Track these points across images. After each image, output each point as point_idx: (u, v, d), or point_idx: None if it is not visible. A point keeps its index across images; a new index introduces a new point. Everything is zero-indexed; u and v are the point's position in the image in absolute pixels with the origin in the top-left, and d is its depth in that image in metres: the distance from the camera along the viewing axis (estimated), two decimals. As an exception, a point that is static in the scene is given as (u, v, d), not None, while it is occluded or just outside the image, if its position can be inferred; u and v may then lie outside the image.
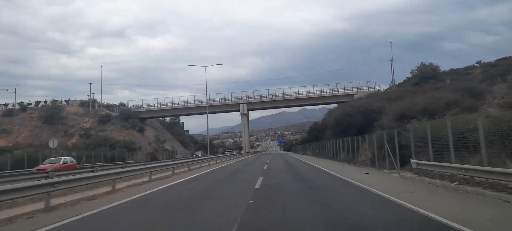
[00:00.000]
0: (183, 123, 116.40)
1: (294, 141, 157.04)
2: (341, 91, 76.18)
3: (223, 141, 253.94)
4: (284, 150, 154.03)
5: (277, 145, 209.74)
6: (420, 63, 60.03)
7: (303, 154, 63.72)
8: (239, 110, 78.41)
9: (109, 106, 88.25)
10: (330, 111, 53.37)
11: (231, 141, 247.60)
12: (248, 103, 78.28)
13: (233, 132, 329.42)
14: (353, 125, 36.13)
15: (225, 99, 78.66)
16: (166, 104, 78.74)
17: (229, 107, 79.09)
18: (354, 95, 72.24)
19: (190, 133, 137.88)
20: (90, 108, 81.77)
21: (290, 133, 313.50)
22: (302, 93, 77.61)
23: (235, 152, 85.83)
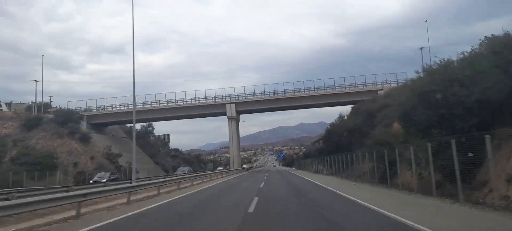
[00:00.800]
0: (168, 135, 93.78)
1: (294, 155, 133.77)
2: (361, 88, 53.48)
3: (221, 155, 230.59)
4: (283, 165, 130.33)
5: (276, 160, 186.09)
6: (484, 38, 37.11)
7: (315, 173, 40.42)
8: (225, 114, 55.36)
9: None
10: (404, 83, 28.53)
11: (229, 155, 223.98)
12: (237, 103, 55.26)
13: None
14: (474, 107, 13.25)
15: (206, 98, 55.54)
16: (127, 105, 55.62)
17: (212, 108, 56.03)
18: (378, 91, 49.78)
19: (182, 149, 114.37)
20: (34, 113, 58.63)
21: (288, 147, 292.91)
22: (309, 89, 54.81)
23: (220, 168, 62.44)
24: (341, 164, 30.69)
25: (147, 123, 69.47)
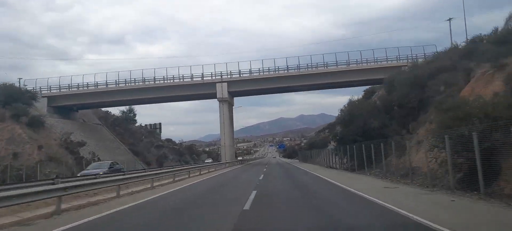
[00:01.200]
0: (159, 124, 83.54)
1: (295, 146, 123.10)
2: (382, 63, 42.76)
3: (220, 146, 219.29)
4: (284, 157, 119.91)
5: (276, 151, 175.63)
6: None
7: (328, 167, 29.71)
8: (216, 96, 44.50)
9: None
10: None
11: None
12: (229, 83, 44.42)
13: (236, 138, 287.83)
14: None
15: (192, 76, 44.73)
16: (96, 85, 44.90)
17: (199, 89, 45.14)
18: (402, 67, 39.21)
19: (182, 140, 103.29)
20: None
21: (288, 138, 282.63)
22: (316, 65, 44.03)
23: (209, 161, 51.97)
24: (371, 156, 20.06)
25: (127, 108, 58.95)
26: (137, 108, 61.08)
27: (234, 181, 17.27)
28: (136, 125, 68.62)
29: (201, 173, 23.30)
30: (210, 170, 27.00)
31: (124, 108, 57.65)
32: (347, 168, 25.44)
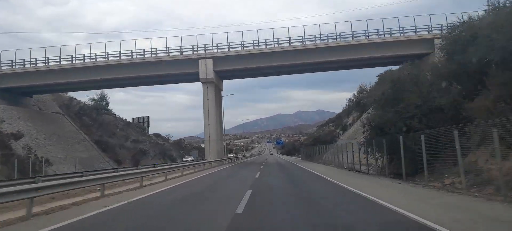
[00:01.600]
0: (147, 117, 73.91)
1: (295, 143, 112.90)
2: (410, 35, 32.65)
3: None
4: (282, 154, 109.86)
5: (273, 147, 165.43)
6: None
7: (353, 170, 19.49)
8: (198, 77, 34.15)
9: None
10: None
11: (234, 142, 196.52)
12: (215, 59, 34.07)
13: (234, 134, 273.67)
14: None
15: (168, 50, 34.35)
16: (47, 61, 34.51)
17: (177, 67, 34.70)
18: (435, 40, 29.54)
19: (179, 136, 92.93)
20: None
21: (286, 135, 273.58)
22: (327, 35, 33.76)
23: (189, 159, 41.45)
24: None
25: (99, 95, 48.59)
26: (134, 103, 51.16)
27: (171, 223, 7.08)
28: (117, 115, 58.57)
29: (143, 184, 13.04)
30: (168, 176, 16.70)
31: (95, 95, 47.41)
32: (387, 172, 15.31)
